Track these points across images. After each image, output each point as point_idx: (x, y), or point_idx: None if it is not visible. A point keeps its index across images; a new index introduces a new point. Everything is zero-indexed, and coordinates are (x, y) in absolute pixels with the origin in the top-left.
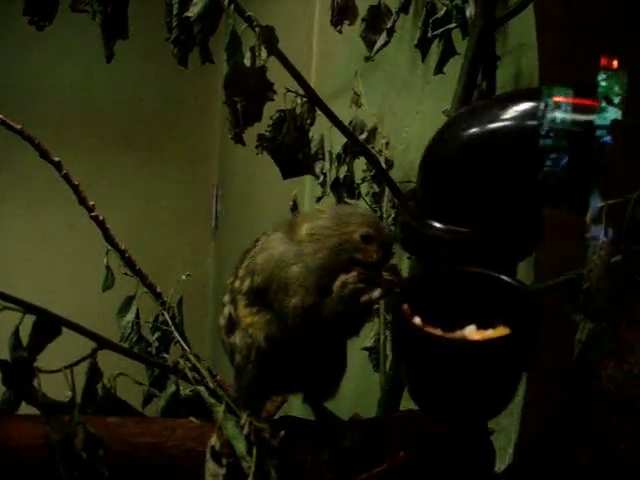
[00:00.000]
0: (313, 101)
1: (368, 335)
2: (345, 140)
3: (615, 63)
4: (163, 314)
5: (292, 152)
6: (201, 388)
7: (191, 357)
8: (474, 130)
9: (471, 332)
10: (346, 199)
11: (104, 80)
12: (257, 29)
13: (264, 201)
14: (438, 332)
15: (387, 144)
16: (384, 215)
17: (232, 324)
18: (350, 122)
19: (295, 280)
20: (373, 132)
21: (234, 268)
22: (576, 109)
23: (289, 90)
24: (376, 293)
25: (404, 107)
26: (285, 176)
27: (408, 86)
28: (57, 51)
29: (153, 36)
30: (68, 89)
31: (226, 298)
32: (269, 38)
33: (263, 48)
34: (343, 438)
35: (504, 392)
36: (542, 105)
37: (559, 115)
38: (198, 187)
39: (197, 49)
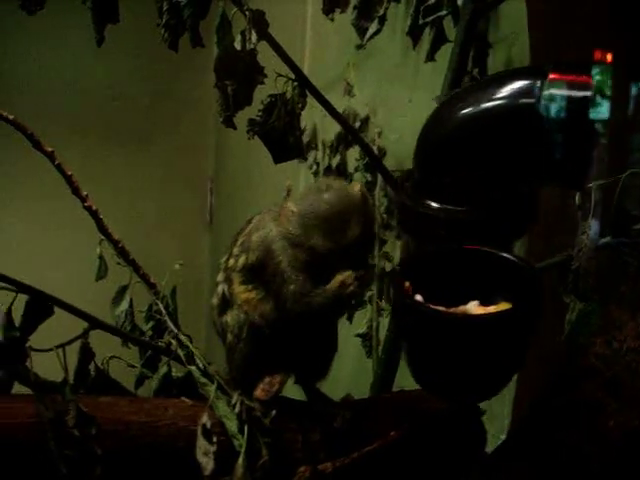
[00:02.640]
0: (304, 85)
1: (361, 322)
2: (338, 130)
3: (608, 57)
4: (157, 303)
5: (283, 136)
6: (192, 368)
7: (183, 337)
8: (470, 109)
9: (474, 307)
10: None
11: (99, 73)
12: (247, 13)
13: (259, 193)
14: (441, 308)
15: (380, 133)
16: (377, 203)
17: (225, 303)
18: (343, 112)
19: (288, 268)
20: (366, 121)
21: (228, 248)
22: (572, 86)
23: (280, 75)
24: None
25: (397, 96)
26: (276, 161)
27: (400, 76)
28: (47, 45)
29: (146, 30)
30: (61, 83)
31: (220, 277)
32: (259, 22)
33: (253, 32)
34: (334, 418)
35: (507, 367)
36: (538, 82)
37: (555, 92)
38: (193, 180)
39: (188, 35)
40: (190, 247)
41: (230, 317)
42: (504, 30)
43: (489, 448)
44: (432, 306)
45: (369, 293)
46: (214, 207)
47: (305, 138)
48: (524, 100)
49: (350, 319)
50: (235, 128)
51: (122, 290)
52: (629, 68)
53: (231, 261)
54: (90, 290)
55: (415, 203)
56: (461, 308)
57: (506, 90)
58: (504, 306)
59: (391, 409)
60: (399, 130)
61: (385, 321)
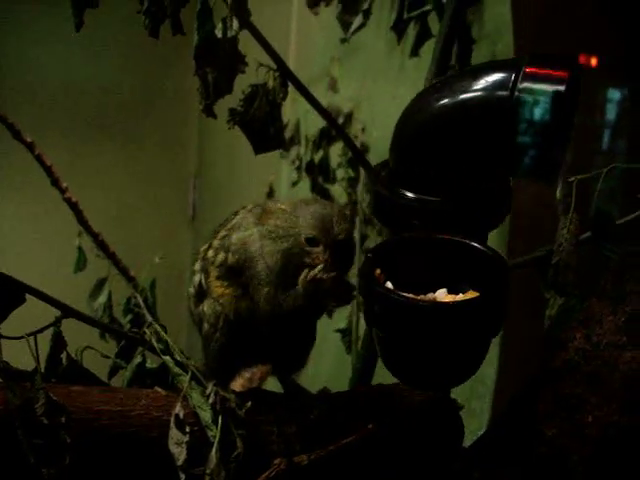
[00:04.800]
0: (286, 76)
1: (341, 317)
2: (322, 125)
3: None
4: (135, 297)
5: (264, 126)
6: (167, 358)
7: (157, 327)
8: (446, 100)
9: (442, 295)
10: (322, 183)
11: (81, 69)
12: (229, 0)
13: (241, 190)
14: (410, 296)
15: (363, 129)
16: (359, 199)
17: (202, 293)
18: (327, 107)
19: (263, 275)
20: (349, 117)
21: (209, 237)
22: (548, 80)
23: (262, 64)
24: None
25: (381, 93)
26: (257, 151)
27: (385, 72)
28: (33, 39)
29: (130, 25)
30: (44, 77)
31: (197, 266)
32: (241, 9)
33: (235, 20)
34: (311, 410)
35: (474, 356)
36: (513, 75)
37: (530, 85)
38: (175, 177)
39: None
40: (172, 243)
41: (207, 306)
42: (488, 26)
43: (468, 444)
44: (401, 293)
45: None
46: (196, 203)
47: (288, 133)
48: (499, 93)
49: (330, 314)
50: (215, 117)
51: (100, 283)
52: (612, 65)
53: (210, 252)
54: (68, 283)
55: (390, 192)
56: (430, 296)
57: (482, 82)
58: (472, 295)
59: (368, 402)
60: (382, 126)
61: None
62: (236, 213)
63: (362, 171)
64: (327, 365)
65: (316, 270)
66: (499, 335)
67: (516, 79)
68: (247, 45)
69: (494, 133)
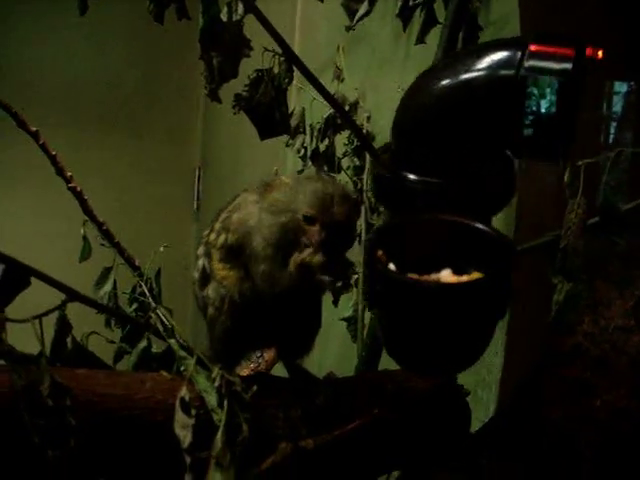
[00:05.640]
0: (291, 61)
1: (347, 305)
2: (327, 114)
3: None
4: (141, 285)
5: (269, 111)
6: (172, 341)
7: (162, 310)
8: (449, 80)
9: (447, 276)
10: (327, 172)
11: (86, 63)
12: None
13: (246, 182)
14: (413, 276)
15: (369, 118)
16: (365, 187)
17: (206, 277)
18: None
19: (259, 249)
20: (355, 106)
21: (211, 221)
22: (554, 58)
23: (267, 49)
24: (326, 278)
25: (386, 82)
26: (262, 137)
27: (390, 61)
28: (37, 31)
29: (134, 19)
30: (47, 71)
31: (200, 250)
32: None
33: (240, 3)
34: (316, 395)
35: (479, 339)
36: (519, 54)
37: (536, 64)
38: (180, 169)
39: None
40: (177, 235)
41: (211, 290)
42: (495, 13)
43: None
44: (405, 274)
45: (354, 277)
46: (201, 195)
47: (293, 122)
48: (504, 71)
49: (336, 303)
50: (220, 102)
51: (106, 272)
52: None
53: (212, 236)
54: (73, 272)
55: (393, 175)
56: (434, 276)
57: (486, 61)
58: (477, 276)
59: (374, 388)
60: (388, 115)
61: None
62: (237, 196)
63: (368, 159)
64: (333, 354)
65: (305, 254)
66: (505, 324)
67: (522, 57)
68: (252, 32)
69: (499, 113)
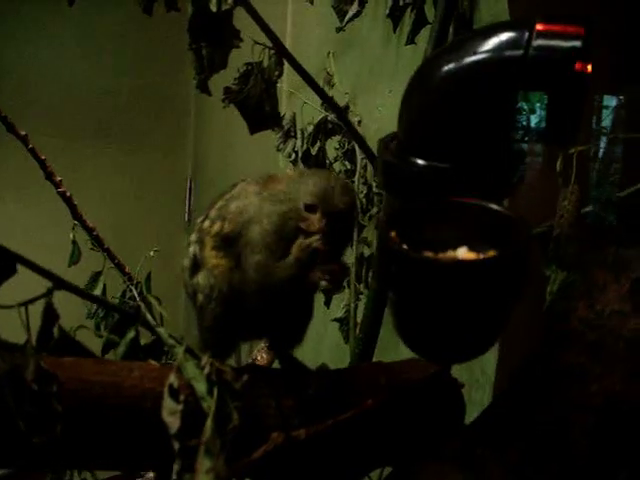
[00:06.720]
0: (281, 52)
1: (339, 306)
2: (318, 119)
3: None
4: (131, 290)
5: (259, 104)
6: (160, 330)
7: (151, 299)
8: (454, 64)
9: (464, 253)
10: None
11: (79, 72)
12: None
13: None
14: (429, 254)
15: (359, 122)
16: (356, 190)
17: (196, 264)
18: (322, 103)
19: (256, 238)
20: (346, 110)
21: (206, 209)
22: (561, 37)
23: (257, 42)
24: (323, 280)
25: (377, 87)
26: (252, 130)
27: (381, 65)
28: (30, 42)
29: (127, 28)
30: (41, 80)
31: (193, 237)
32: None
33: None
34: (309, 385)
35: (497, 322)
36: (526, 34)
37: (544, 43)
38: (172, 180)
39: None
40: (168, 248)
41: (201, 277)
42: (484, 12)
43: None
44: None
45: (346, 278)
46: (193, 207)
47: (284, 126)
48: (512, 52)
49: (328, 304)
50: (210, 93)
51: (95, 277)
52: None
53: (206, 223)
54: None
55: (400, 161)
56: (450, 254)
57: (493, 42)
58: (493, 254)
59: (368, 379)
60: (379, 120)
61: (363, 305)
62: (234, 185)
63: (359, 163)
64: (325, 354)
65: (311, 238)
66: None
67: (529, 37)
68: (242, 27)
69: (507, 94)
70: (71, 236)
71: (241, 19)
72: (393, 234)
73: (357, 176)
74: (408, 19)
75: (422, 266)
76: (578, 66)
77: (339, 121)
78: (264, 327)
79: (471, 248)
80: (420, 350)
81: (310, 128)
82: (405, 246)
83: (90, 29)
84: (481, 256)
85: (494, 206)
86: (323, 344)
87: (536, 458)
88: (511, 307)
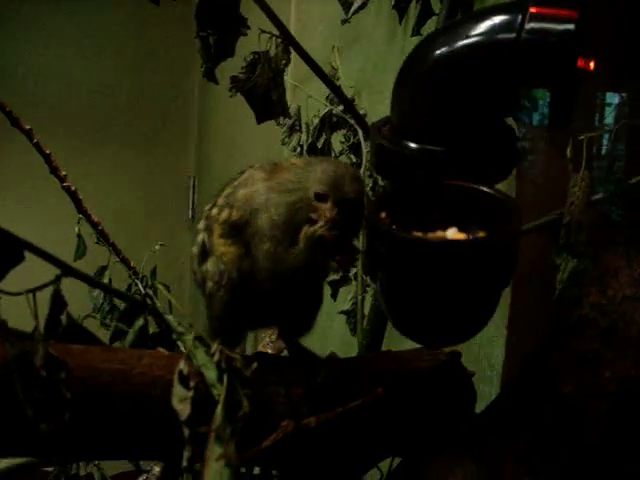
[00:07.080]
0: (287, 40)
1: (345, 299)
2: (323, 112)
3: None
4: (136, 283)
5: (266, 93)
6: (169, 317)
7: (159, 286)
8: (448, 46)
9: (453, 233)
10: None
11: (81, 71)
12: None
13: None
14: (418, 234)
15: (365, 116)
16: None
17: (205, 252)
18: (327, 96)
19: (265, 228)
20: (351, 103)
21: (213, 196)
22: (555, 19)
23: (263, 31)
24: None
25: (381, 81)
26: (259, 120)
27: (385, 59)
28: (33, 41)
29: (130, 27)
30: (43, 80)
31: (201, 225)
32: None
33: None
34: (318, 373)
35: (485, 305)
36: (519, 17)
37: (538, 26)
38: (174, 178)
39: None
40: (172, 245)
41: (210, 264)
42: (490, 2)
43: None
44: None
45: (353, 270)
46: (196, 204)
47: (289, 120)
48: (505, 35)
49: (334, 296)
50: (217, 82)
51: (101, 271)
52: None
53: (214, 210)
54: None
55: (393, 144)
56: (439, 234)
57: (486, 25)
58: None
59: (377, 367)
60: (384, 113)
61: (370, 297)
62: (242, 172)
63: (365, 156)
64: (332, 347)
65: (317, 226)
66: (506, 318)
67: (522, 20)
68: (248, 16)
69: (500, 78)
70: (76, 230)
71: (247, 9)
72: (383, 215)
73: (363, 169)
74: (414, 10)
75: (411, 246)
76: (581, 63)
77: (346, 113)
78: (274, 314)
79: (461, 229)
80: (409, 332)
81: (315, 121)
82: (394, 227)
83: (90, 29)
84: (471, 237)
85: (485, 188)
86: (330, 337)
87: (545, 447)
88: (500, 289)
